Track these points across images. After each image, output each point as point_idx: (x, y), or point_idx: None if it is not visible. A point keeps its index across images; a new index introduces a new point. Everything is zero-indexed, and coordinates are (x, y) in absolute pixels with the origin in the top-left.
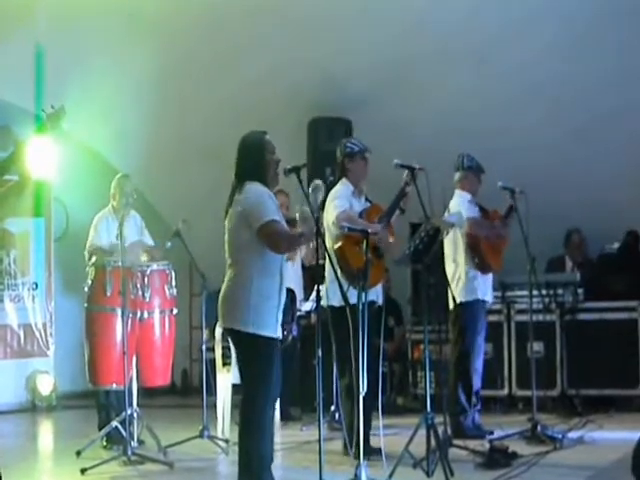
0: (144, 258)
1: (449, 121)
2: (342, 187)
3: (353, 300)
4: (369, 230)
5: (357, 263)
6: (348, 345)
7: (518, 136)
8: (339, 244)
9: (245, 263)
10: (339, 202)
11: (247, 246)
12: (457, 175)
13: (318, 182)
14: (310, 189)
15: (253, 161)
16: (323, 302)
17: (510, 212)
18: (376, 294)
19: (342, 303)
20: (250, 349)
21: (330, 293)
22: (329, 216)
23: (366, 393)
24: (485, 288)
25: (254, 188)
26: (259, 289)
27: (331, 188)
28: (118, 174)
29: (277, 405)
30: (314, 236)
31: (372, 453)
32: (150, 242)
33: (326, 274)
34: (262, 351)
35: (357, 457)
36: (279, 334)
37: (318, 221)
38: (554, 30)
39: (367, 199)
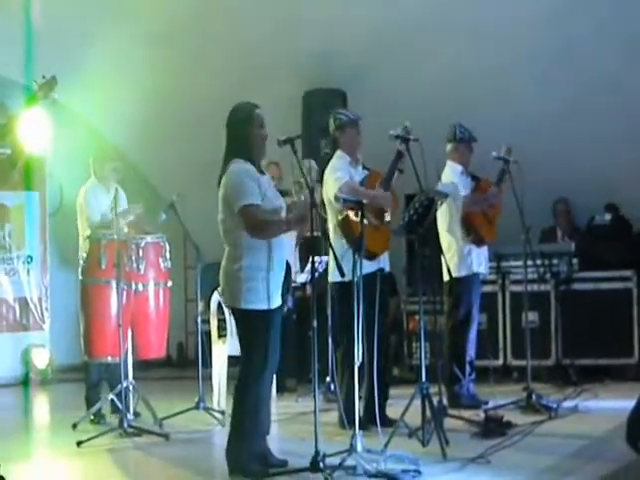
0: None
1: (445, 90)
2: (339, 160)
3: (367, 269)
4: (364, 201)
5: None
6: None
7: (514, 104)
8: (344, 214)
9: (234, 245)
10: (339, 174)
11: (233, 229)
12: (449, 146)
13: (312, 162)
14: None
15: (238, 135)
16: (329, 278)
17: (502, 176)
18: (384, 262)
19: (350, 278)
20: (242, 323)
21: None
22: (330, 191)
23: (378, 363)
24: (480, 261)
25: (235, 169)
26: (246, 267)
27: (327, 160)
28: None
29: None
30: (305, 224)
31: (390, 424)
32: (131, 217)
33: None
34: (254, 324)
35: (364, 428)
36: (273, 305)
37: (313, 193)
38: None
39: (365, 167)
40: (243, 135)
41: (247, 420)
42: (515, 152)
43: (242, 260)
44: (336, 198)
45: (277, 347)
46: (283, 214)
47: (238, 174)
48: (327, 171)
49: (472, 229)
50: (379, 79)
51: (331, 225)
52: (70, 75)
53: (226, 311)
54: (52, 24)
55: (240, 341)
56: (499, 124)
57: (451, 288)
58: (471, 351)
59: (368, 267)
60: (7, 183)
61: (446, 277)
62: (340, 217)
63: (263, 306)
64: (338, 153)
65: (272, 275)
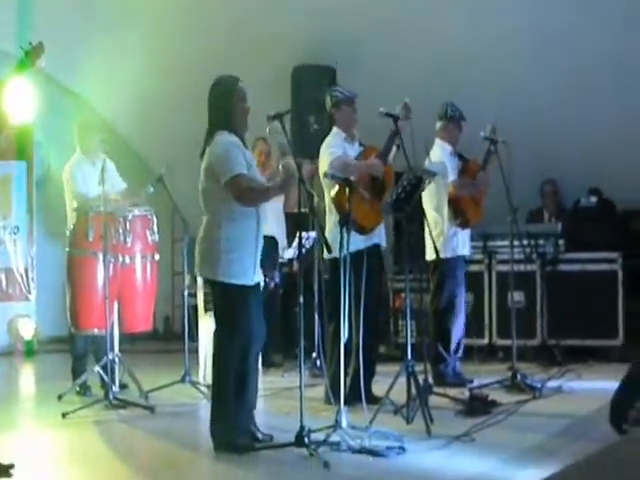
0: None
1: (435, 68)
2: (334, 137)
3: (357, 246)
4: (352, 178)
5: (354, 207)
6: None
7: (504, 83)
8: (335, 190)
9: (216, 214)
10: (333, 150)
11: (217, 198)
12: (439, 124)
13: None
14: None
15: (220, 107)
16: (324, 254)
17: (488, 157)
18: (379, 236)
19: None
20: (222, 297)
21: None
22: (323, 166)
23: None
24: (464, 243)
25: (221, 140)
26: (230, 239)
27: (323, 137)
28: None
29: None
30: (288, 189)
31: (375, 401)
32: (123, 185)
33: (327, 226)
34: (234, 299)
35: (349, 404)
36: (255, 281)
37: (300, 169)
38: None
39: (361, 144)
40: (225, 107)
41: (229, 396)
42: (503, 132)
43: (222, 231)
44: (325, 174)
45: (261, 322)
46: None
47: (224, 145)
48: (322, 148)
49: (459, 212)
50: (369, 55)
51: (327, 201)
52: (60, 48)
53: None
54: None
55: (216, 314)
56: (489, 103)
57: (435, 268)
58: (458, 331)
59: (360, 243)
60: None
61: (431, 256)
62: (332, 193)
63: (241, 281)
64: (334, 130)
65: (251, 250)
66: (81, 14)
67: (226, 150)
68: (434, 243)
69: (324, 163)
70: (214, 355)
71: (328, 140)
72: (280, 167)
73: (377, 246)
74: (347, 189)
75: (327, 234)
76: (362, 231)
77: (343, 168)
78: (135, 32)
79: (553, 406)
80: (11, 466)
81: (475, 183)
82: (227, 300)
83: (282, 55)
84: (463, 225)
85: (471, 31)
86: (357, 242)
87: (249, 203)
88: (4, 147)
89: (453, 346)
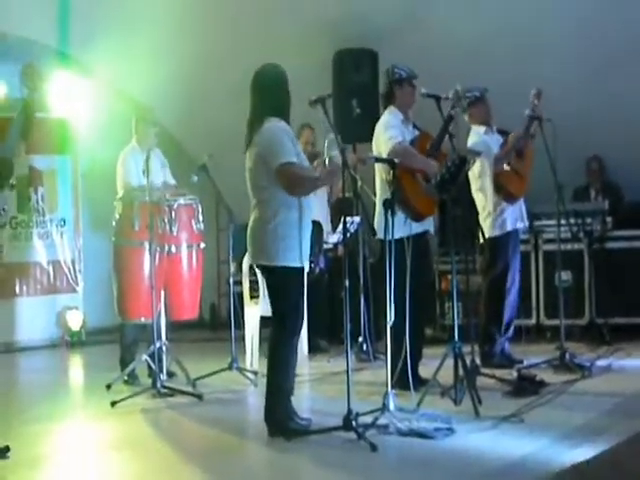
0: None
1: (478, 49)
2: (391, 116)
3: (408, 231)
4: (396, 161)
5: (411, 192)
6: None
7: (548, 61)
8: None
9: (267, 201)
10: (393, 132)
11: (268, 185)
12: (465, 116)
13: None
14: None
15: (271, 95)
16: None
17: (529, 125)
18: (429, 223)
19: (399, 236)
20: (279, 281)
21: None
22: (382, 148)
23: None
24: (515, 217)
25: (272, 127)
26: (282, 224)
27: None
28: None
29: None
30: (334, 181)
31: (423, 383)
32: (172, 181)
33: (377, 207)
34: (291, 282)
35: (408, 388)
36: (305, 265)
37: (344, 153)
38: None
39: (415, 126)
40: (275, 94)
41: (286, 378)
42: (548, 110)
43: (277, 217)
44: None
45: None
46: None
47: (277, 132)
48: (379, 126)
49: (501, 186)
50: (410, 38)
51: (378, 181)
52: (101, 39)
53: (258, 272)
54: None
55: (273, 299)
56: (533, 81)
57: (487, 249)
58: (509, 311)
59: (412, 228)
60: (40, 147)
61: (482, 239)
62: (389, 177)
63: (297, 264)
64: (391, 109)
65: (304, 235)
66: (119, 6)
67: (277, 136)
68: (480, 226)
69: (382, 144)
70: (274, 339)
71: (386, 119)
72: (326, 161)
73: (427, 232)
74: (391, 172)
75: (376, 216)
76: (419, 218)
77: (405, 156)
78: (177, 22)
79: (602, 385)
80: (7, 449)
81: (508, 143)
82: (283, 283)
83: (323, 40)
84: (508, 199)
85: (516, 10)
86: (408, 228)
87: (298, 192)
88: (49, 141)
89: (503, 326)
